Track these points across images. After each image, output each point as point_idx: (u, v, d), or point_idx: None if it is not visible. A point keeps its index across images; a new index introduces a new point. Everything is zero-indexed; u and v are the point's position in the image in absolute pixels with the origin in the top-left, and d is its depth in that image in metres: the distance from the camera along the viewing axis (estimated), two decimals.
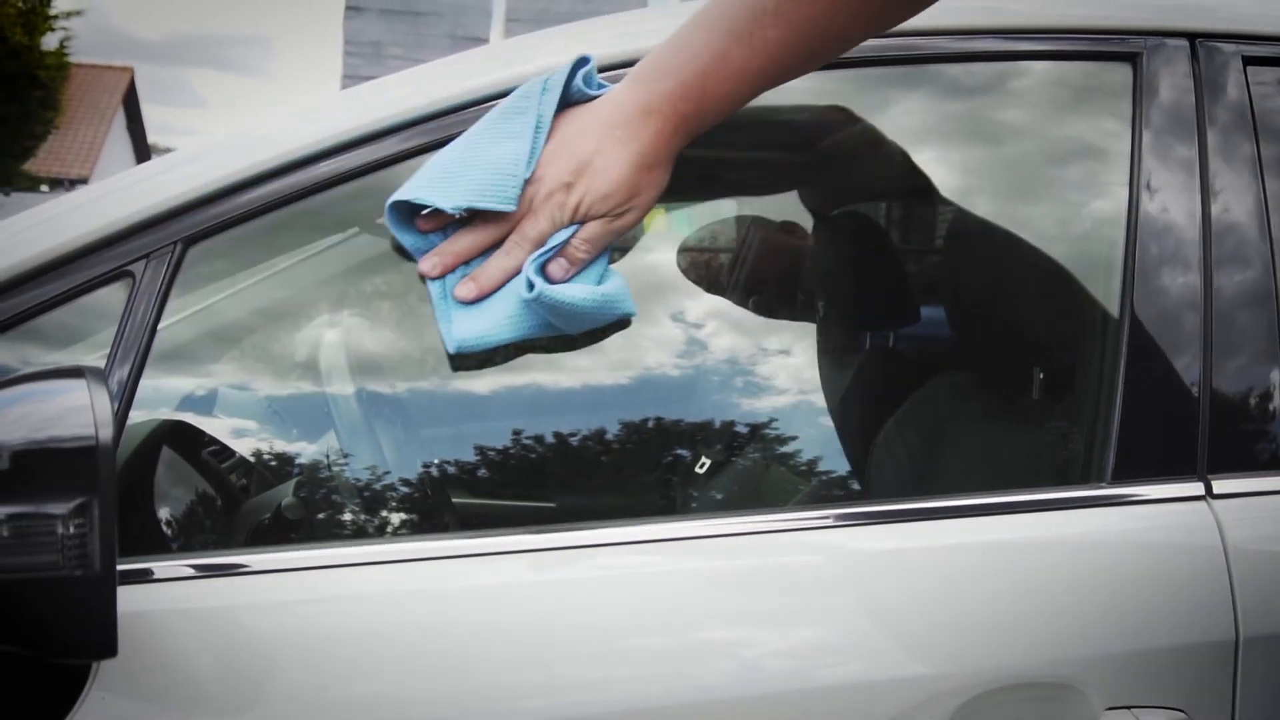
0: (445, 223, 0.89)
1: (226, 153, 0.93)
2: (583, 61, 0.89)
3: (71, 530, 0.64)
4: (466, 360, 0.91)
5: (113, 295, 0.88)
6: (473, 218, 0.88)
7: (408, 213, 0.89)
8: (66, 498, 0.64)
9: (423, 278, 0.90)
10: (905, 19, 0.91)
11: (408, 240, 0.89)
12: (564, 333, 0.89)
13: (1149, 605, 0.88)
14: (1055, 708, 0.86)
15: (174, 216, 0.89)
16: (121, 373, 0.84)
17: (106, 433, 0.64)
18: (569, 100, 0.89)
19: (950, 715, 0.84)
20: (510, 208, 0.85)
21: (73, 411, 0.65)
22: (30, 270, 0.87)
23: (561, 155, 0.86)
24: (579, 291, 0.86)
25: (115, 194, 0.91)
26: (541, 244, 0.87)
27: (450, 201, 0.84)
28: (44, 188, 18.12)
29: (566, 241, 0.87)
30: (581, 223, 0.87)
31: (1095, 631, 0.87)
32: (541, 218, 0.87)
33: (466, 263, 0.89)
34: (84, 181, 19.79)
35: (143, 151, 25.48)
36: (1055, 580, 0.89)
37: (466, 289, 0.87)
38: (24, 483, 0.64)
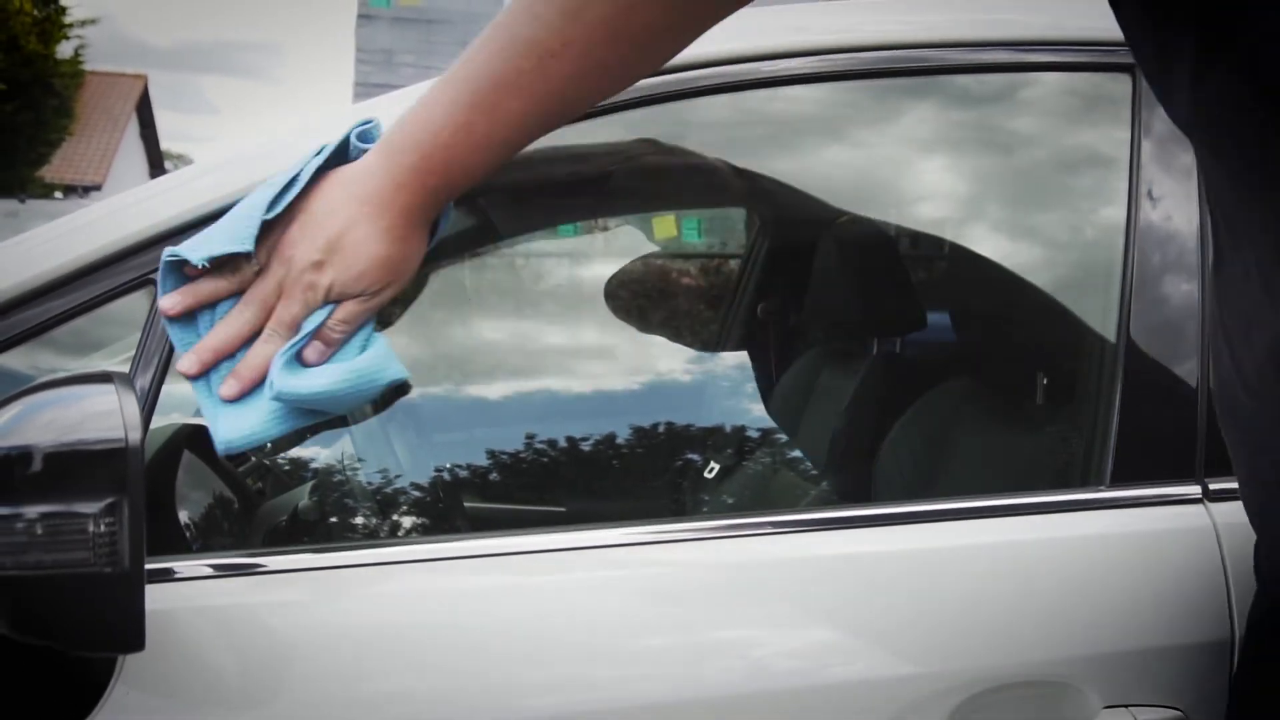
0: (195, 283, 0.84)
1: (246, 164, 0.95)
2: (365, 123, 0.87)
3: (102, 528, 0.66)
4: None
5: (135, 304, 0.90)
6: (231, 309, 0.84)
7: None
8: (97, 497, 0.67)
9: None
10: (648, 74, 0.88)
11: (174, 333, 0.84)
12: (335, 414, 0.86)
13: (1147, 606, 0.90)
14: (1054, 706, 0.88)
15: (196, 226, 0.92)
16: (144, 379, 0.86)
17: (135, 435, 0.66)
18: (346, 159, 0.86)
19: (951, 712, 0.86)
20: (245, 248, 0.80)
21: (102, 415, 0.67)
22: (56, 279, 0.89)
23: (310, 232, 0.82)
24: (325, 378, 0.82)
25: (138, 205, 0.94)
26: (297, 327, 0.83)
27: (196, 254, 0.81)
28: (58, 194, 18.22)
29: (323, 323, 0.83)
30: (336, 302, 0.83)
31: (1094, 631, 0.89)
32: (294, 301, 0.82)
33: (230, 357, 0.84)
34: (97, 188, 19.89)
35: (155, 158, 25.61)
36: (1055, 581, 0.90)
37: (230, 387, 0.82)
38: (56, 483, 0.67)
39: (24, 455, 0.67)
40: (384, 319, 1.44)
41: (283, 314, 0.83)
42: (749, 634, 0.89)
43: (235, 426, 0.82)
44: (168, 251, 0.83)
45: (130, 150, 23.38)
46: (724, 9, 0.82)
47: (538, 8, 0.78)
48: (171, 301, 0.83)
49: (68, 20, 16.48)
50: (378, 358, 0.84)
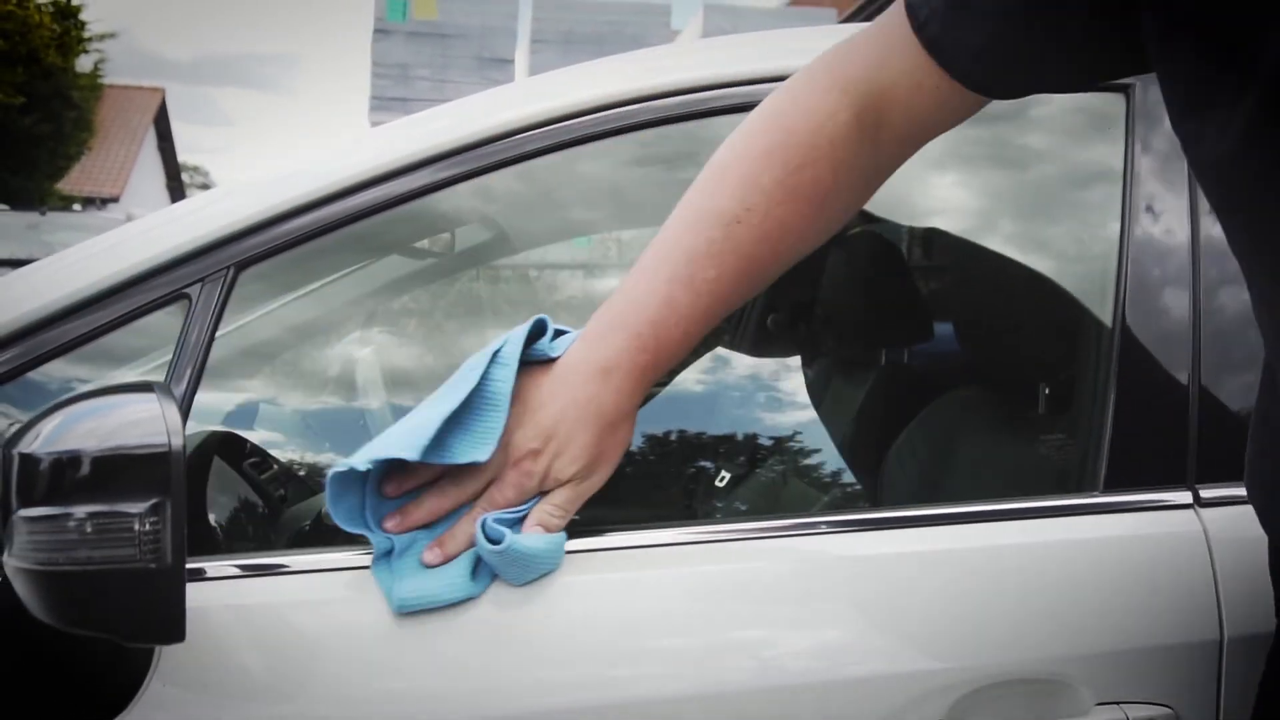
0: (408, 489, 0.88)
1: (275, 183, 1.00)
2: (540, 325, 0.89)
3: (147, 527, 0.70)
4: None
5: (170, 316, 0.95)
6: (438, 481, 0.87)
7: (353, 483, 0.86)
8: (142, 498, 0.71)
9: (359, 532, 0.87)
10: (833, 230, 0.91)
11: (341, 514, 0.86)
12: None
13: (1138, 606, 0.93)
14: (1048, 702, 0.91)
15: (227, 243, 0.96)
16: (179, 388, 0.90)
17: (178, 440, 0.71)
18: (529, 360, 0.88)
19: (950, 708, 0.89)
20: (411, 456, 0.82)
21: (146, 421, 0.72)
22: (96, 294, 0.94)
23: (527, 422, 0.85)
24: (540, 541, 0.86)
25: (173, 222, 0.98)
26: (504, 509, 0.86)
27: (359, 462, 0.82)
28: (76, 206, 18.38)
29: (535, 506, 0.87)
30: (546, 490, 0.87)
31: (1088, 631, 0.92)
32: (509, 486, 0.86)
33: (427, 526, 0.87)
34: (115, 200, 20.06)
35: (172, 170, 25.79)
36: (1050, 583, 0.93)
37: (433, 554, 0.86)
38: (104, 485, 0.71)
39: (74, 459, 0.71)
40: (397, 328, 1.48)
41: (496, 496, 0.86)
42: (758, 634, 0.91)
43: (420, 587, 0.85)
44: (367, 454, 0.83)
45: (147, 162, 23.57)
46: (885, 170, 0.88)
47: (716, 182, 0.85)
48: (395, 522, 0.86)
49: (87, 34, 16.65)
50: (560, 539, 0.87)
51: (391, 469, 0.87)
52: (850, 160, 0.86)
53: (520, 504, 0.86)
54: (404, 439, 0.83)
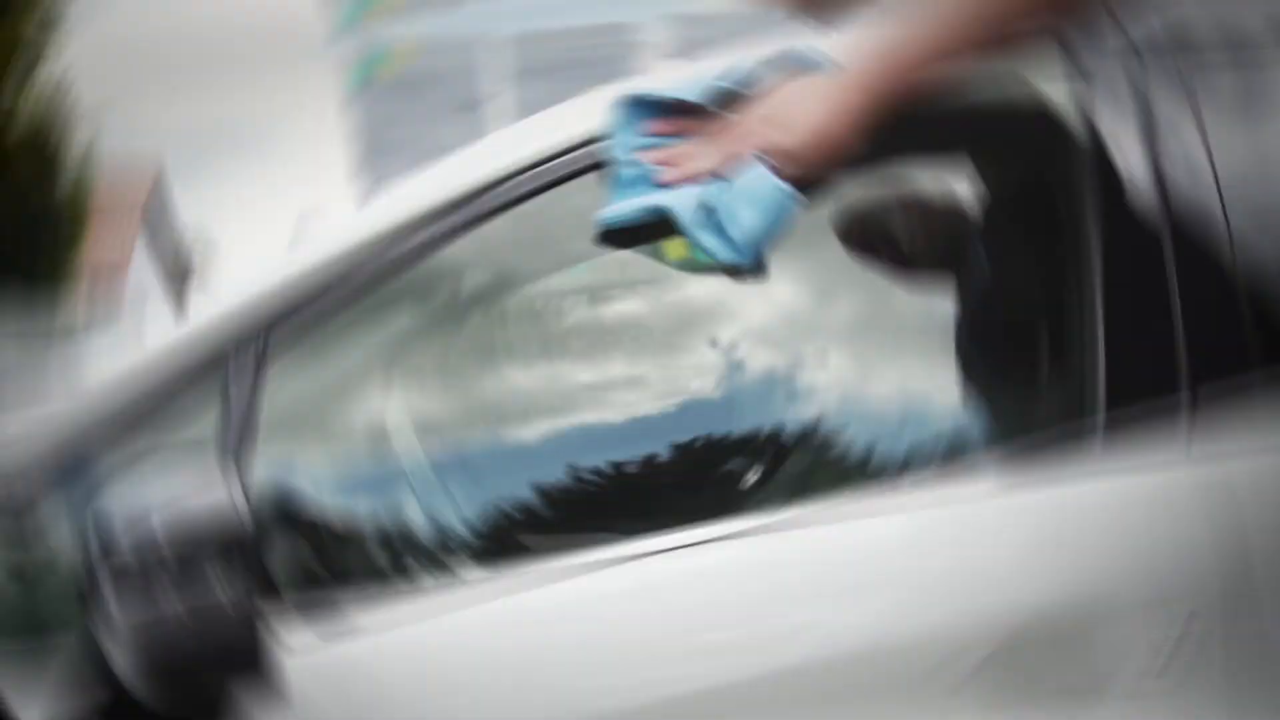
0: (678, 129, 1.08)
1: (292, 259, 1.07)
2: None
3: (223, 581, 0.77)
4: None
5: (212, 384, 1.02)
6: None
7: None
8: (215, 555, 0.77)
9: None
10: None
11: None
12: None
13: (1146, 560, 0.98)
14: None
15: (258, 311, 1.03)
16: (231, 446, 0.97)
17: (241, 499, 0.77)
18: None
19: (980, 662, 0.94)
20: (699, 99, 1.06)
21: (210, 483, 0.78)
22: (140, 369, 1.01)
23: (770, 99, 1.06)
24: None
25: (205, 299, 1.05)
26: (731, 162, 1.04)
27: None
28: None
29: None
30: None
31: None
32: (736, 140, 1.05)
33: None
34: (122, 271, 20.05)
35: (172, 235, 25.79)
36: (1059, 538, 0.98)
37: (669, 174, 1.07)
38: (179, 544, 0.77)
39: (148, 521, 0.77)
40: (422, 378, 1.53)
41: (725, 146, 1.06)
42: (798, 615, 0.99)
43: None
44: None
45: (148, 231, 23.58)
46: None
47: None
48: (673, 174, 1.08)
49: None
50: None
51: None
52: None
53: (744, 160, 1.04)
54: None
